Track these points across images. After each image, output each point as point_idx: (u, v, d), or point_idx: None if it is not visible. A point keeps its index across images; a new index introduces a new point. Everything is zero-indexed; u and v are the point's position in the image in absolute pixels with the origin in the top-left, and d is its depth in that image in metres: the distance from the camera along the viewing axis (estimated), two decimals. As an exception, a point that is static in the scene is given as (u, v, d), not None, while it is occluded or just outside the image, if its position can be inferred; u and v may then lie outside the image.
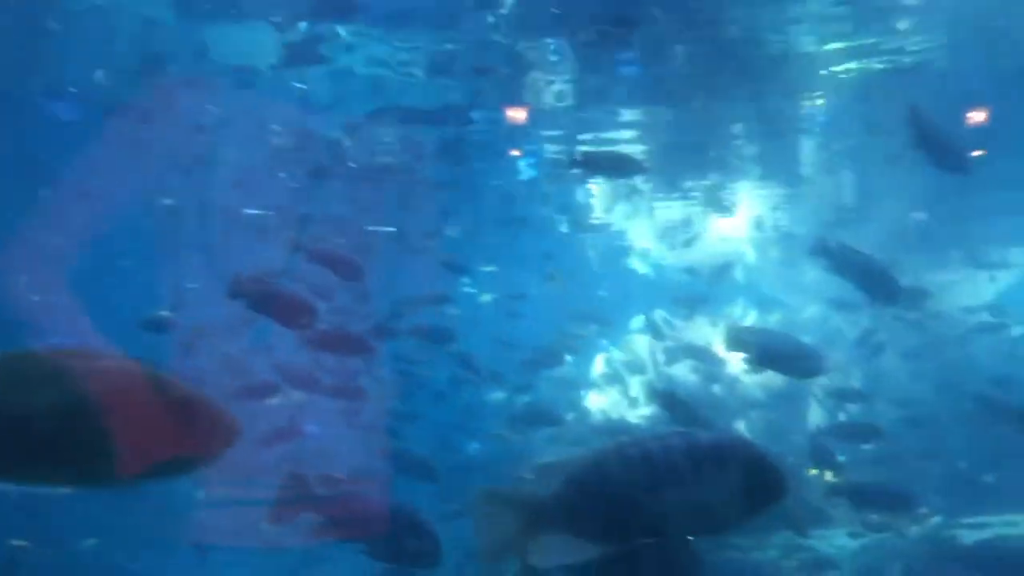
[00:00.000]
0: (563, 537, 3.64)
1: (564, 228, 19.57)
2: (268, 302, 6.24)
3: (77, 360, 2.82)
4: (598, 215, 18.84)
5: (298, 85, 11.05)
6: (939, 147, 6.20)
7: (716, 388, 14.75)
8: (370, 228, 13.84)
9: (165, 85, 10.71)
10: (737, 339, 6.64)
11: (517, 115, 13.23)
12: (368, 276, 9.21)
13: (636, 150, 14.04)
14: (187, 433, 2.85)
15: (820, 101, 12.87)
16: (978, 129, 13.33)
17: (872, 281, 6.78)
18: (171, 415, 2.82)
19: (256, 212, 13.85)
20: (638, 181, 16.15)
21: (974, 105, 12.94)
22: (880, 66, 11.32)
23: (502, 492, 3.73)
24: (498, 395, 15.74)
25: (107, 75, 10.92)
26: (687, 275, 17.91)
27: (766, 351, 6.45)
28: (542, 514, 3.66)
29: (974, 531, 11.61)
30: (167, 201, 13.42)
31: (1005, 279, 21.48)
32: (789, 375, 6.66)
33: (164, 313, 10.16)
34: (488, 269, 20.16)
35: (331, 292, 10.52)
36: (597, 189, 17.34)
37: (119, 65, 10.75)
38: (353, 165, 12.78)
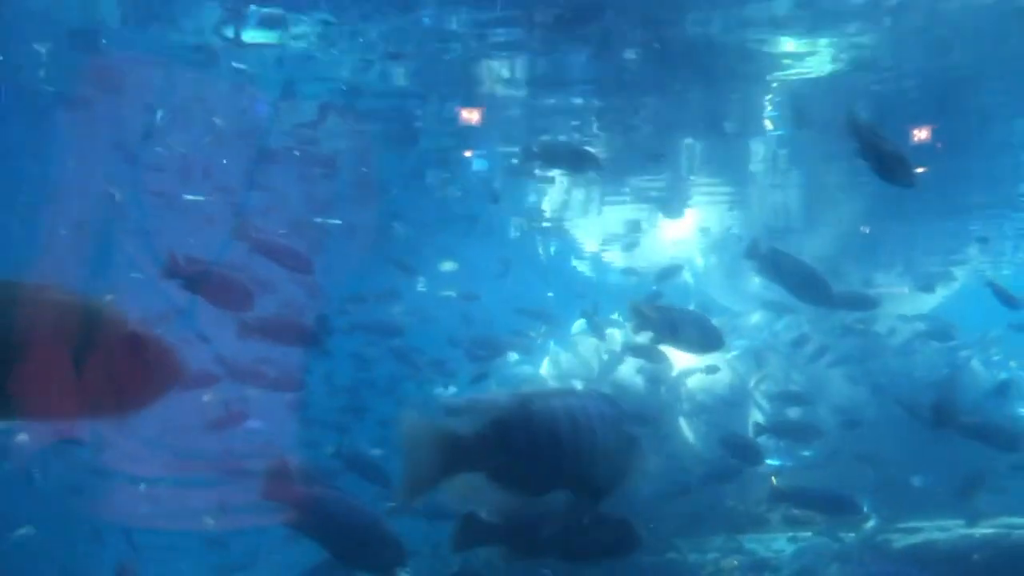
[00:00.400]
0: (482, 482, 3.67)
1: (515, 228, 19.59)
2: (204, 283, 6.09)
3: (13, 290, 2.76)
4: (548, 215, 18.88)
5: (238, 65, 10.81)
6: (882, 157, 6.01)
7: (661, 389, 14.81)
8: (317, 220, 13.64)
9: (106, 63, 10.40)
10: (639, 315, 6.59)
11: (470, 113, 13.20)
12: (316, 268, 9.05)
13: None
14: (128, 369, 2.79)
15: (770, 107, 13.05)
16: (923, 148, 13.65)
17: (803, 285, 6.85)
18: (113, 348, 2.77)
19: (198, 198, 13.59)
20: (590, 179, 16.21)
21: (919, 121, 13.22)
22: (831, 68, 11.49)
23: (427, 424, 3.69)
24: (442, 391, 15.67)
25: (45, 48, 10.57)
26: (630, 277, 18.03)
27: (667, 327, 6.48)
28: (465, 454, 3.67)
29: (907, 535, 11.87)
30: (111, 188, 13.08)
31: (943, 292, 22.09)
32: (689, 351, 6.76)
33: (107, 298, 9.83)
34: (444, 267, 20.14)
35: (278, 283, 10.42)
36: (548, 188, 17.35)
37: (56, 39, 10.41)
38: (297, 153, 12.58)
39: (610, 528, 4.65)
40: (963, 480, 11.46)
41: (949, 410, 5.96)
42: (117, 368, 2.78)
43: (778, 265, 6.80)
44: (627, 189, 16.89)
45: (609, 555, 4.77)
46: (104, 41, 10.04)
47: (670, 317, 6.53)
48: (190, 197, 13.67)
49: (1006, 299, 11.42)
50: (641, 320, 6.53)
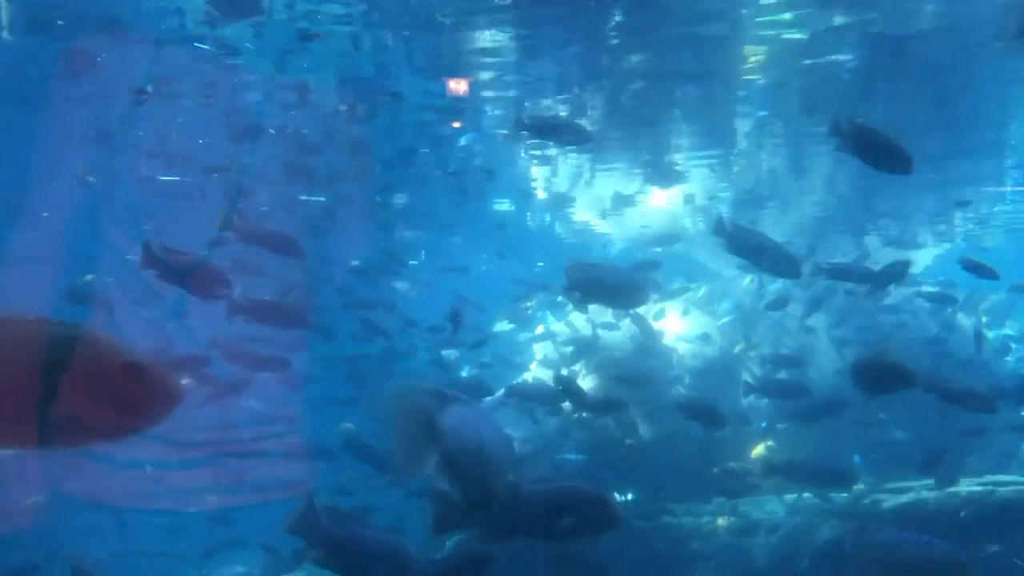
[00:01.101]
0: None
1: (506, 201, 19.58)
2: (180, 272, 6.12)
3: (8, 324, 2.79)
4: (538, 186, 18.85)
5: (203, 46, 10.65)
6: (877, 150, 6.11)
7: (650, 356, 14.92)
8: (302, 198, 13.60)
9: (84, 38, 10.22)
10: (571, 276, 6.58)
11: (457, 84, 13.15)
12: (305, 251, 9.09)
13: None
14: (127, 396, 2.82)
15: (758, 75, 12.99)
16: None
17: (769, 259, 6.87)
18: (112, 378, 2.79)
19: (173, 178, 13.50)
20: (580, 151, 16.19)
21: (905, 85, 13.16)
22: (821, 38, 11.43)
23: (413, 399, 3.97)
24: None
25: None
26: (611, 247, 17.94)
27: (594, 284, 6.49)
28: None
29: (896, 495, 12.07)
30: (88, 174, 13.00)
31: (933, 252, 22.20)
32: (615, 307, 6.83)
33: (87, 278, 9.92)
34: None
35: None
36: (536, 162, 17.32)
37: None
38: (272, 132, 12.48)
39: (587, 506, 4.72)
40: (926, 457, 11.62)
41: (879, 374, 5.83)
42: (115, 397, 2.80)
43: (744, 240, 6.82)
44: (616, 159, 16.84)
45: (586, 533, 4.85)
46: (60, 22, 9.82)
47: (596, 275, 6.53)
48: (166, 178, 13.53)
49: (983, 272, 11.34)
50: (569, 280, 6.54)
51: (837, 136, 6.14)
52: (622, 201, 18.14)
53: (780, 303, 13.11)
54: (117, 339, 2.86)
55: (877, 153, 6.09)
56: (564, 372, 14.63)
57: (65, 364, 2.74)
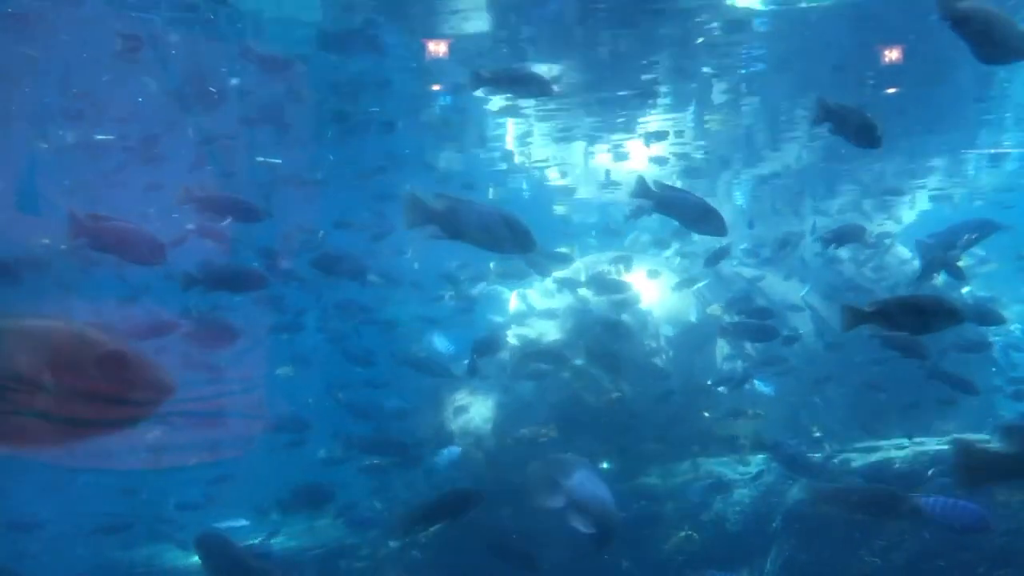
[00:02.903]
0: None
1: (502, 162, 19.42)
2: (110, 239, 6.00)
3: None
4: (515, 151, 18.71)
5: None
6: (851, 128, 6.43)
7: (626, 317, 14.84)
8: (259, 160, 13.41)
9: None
10: (417, 206, 5.41)
11: (436, 45, 12.98)
12: (266, 216, 8.96)
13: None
14: (118, 390, 2.75)
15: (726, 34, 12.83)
16: (892, 67, 13.50)
17: (695, 217, 6.80)
18: (101, 372, 2.72)
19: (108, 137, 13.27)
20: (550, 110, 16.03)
21: (889, 42, 13.05)
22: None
23: None
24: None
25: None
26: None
27: (456, 221, 5.44)
28: None
29: (865, 454, 12.15)
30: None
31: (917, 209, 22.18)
32: (490, 250, 5.67)
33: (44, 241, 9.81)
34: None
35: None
36: (513, 123, 17.16)
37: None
38: (213, 90, 12.24)
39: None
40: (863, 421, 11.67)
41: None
42: (102, 390, 2.72)
43: (668, 201, 6.75)
44: (593, 124, 16.71)
45: None
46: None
47: (461, 209, 5.47)
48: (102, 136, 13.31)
49: (938, 263, 11.19)
50: (419, 212, 5.45)
51: (823, 118, 6.45)
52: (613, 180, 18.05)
53: (717, 257, 13.03)
54: (102, 330, 2.77)
55: (853, 131, 6.44)
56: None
57: (47, 359, 2.64)
